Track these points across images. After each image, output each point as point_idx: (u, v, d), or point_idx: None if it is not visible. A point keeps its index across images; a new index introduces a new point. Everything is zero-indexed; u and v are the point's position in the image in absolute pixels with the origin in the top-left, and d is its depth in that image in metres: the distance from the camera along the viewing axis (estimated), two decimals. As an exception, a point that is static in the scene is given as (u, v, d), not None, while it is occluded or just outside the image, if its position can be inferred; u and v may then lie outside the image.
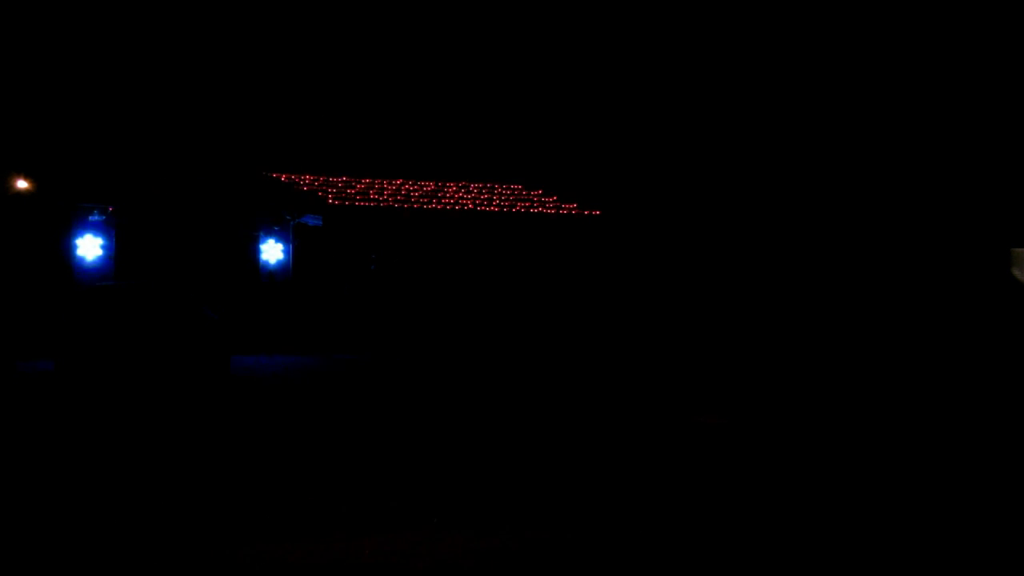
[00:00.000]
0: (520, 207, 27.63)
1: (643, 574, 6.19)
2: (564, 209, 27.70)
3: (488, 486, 8.54)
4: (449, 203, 27.03)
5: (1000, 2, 23.41)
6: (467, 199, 27.44)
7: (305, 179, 27.08)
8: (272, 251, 24.64)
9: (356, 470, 9.22)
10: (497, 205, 27.50)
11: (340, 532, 6.97)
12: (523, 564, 6.28)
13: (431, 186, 28.03)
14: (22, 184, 22.98)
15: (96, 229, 23.23)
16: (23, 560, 6.37)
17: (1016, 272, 19.41)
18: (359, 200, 26.56)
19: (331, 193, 26.58)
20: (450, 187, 28.08)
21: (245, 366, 18.41)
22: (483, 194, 28.12)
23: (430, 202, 27.02)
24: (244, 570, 6.14)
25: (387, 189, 27.52)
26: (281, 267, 24.73)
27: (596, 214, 27.32)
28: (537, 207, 27.86)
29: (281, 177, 26.72)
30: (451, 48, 28.68)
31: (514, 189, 28.66)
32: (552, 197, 28.28)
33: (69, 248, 23.12)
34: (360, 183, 27.61)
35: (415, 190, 27.71)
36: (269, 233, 24.59)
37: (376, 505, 7.80)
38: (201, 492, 8.29)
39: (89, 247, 23.09)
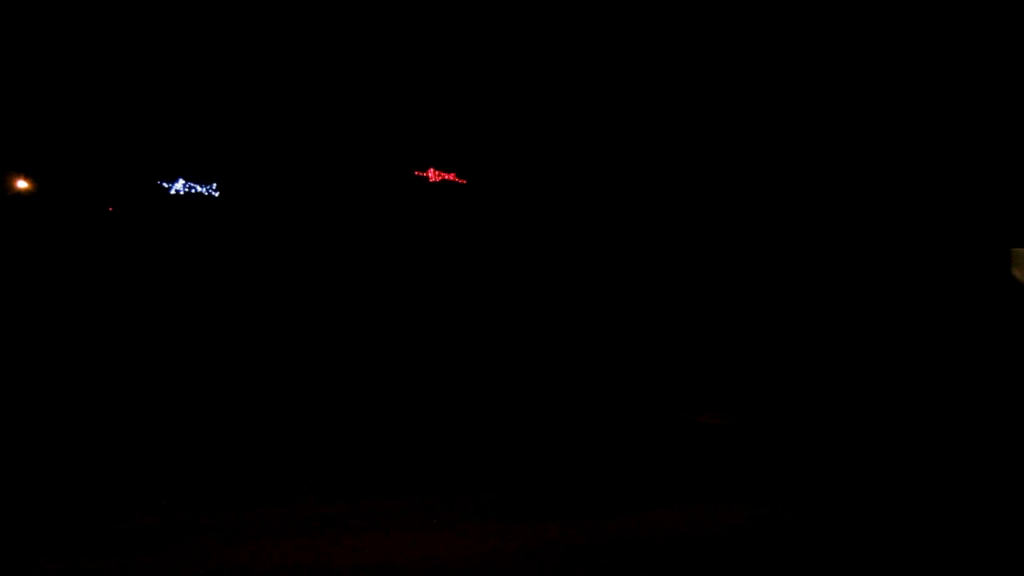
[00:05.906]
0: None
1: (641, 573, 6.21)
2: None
3: (490, 487, 8.55)
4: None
5: (1000, 2, 23.43)
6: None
7: None
8: None
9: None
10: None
11: (341, 531, 7.00)
12: (522, 564, 6.30)
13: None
14: (22, 184, 22.99)
15: (97, 228, 23.25)
16: None
17: (1016, 272, 19.41)
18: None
19: None
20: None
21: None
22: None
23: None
24: (247, 568, 6.17)
25: None
26: None
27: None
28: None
29: None
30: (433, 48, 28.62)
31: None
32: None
33: (71, 246, 23.09)
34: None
35: None
36: None
37: (376, 505, 7.82)
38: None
39: (91, 245, 23.07)
